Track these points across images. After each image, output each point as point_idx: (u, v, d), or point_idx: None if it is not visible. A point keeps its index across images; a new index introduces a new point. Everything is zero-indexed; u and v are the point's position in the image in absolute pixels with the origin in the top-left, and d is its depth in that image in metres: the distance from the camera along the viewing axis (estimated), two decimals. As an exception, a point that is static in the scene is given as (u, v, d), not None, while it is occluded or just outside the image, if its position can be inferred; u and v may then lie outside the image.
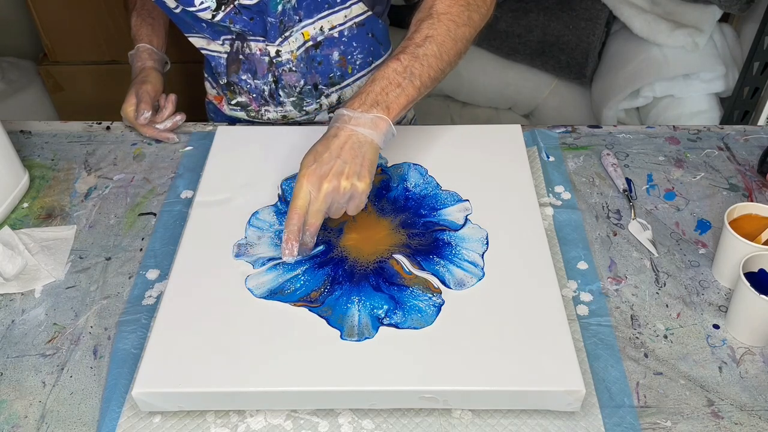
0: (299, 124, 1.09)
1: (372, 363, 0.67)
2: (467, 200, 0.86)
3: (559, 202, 0.90)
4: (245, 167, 0.91)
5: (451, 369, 0.67)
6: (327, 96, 1.06)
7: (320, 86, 1.05)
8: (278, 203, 0.86)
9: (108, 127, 1.07)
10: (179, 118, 1.03)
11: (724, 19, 1.56)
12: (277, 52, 0.99)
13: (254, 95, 1.05)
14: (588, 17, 1.63)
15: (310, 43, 0.99)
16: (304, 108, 1.06)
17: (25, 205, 0.93)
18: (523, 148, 0.93)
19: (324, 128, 0.81)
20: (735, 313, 0.74)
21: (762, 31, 1.39)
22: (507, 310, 0.72)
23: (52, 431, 0.68)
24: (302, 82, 1.03)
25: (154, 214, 0.91)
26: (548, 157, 0.98)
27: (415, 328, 0.71)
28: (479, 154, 0.93)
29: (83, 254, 0.86)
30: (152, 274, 0.82)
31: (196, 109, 1.17)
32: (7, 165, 0.91)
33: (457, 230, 0.82)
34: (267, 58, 1.00)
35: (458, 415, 0.68)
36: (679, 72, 1.49)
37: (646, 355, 0.73)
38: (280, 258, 0.78)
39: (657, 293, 0.79)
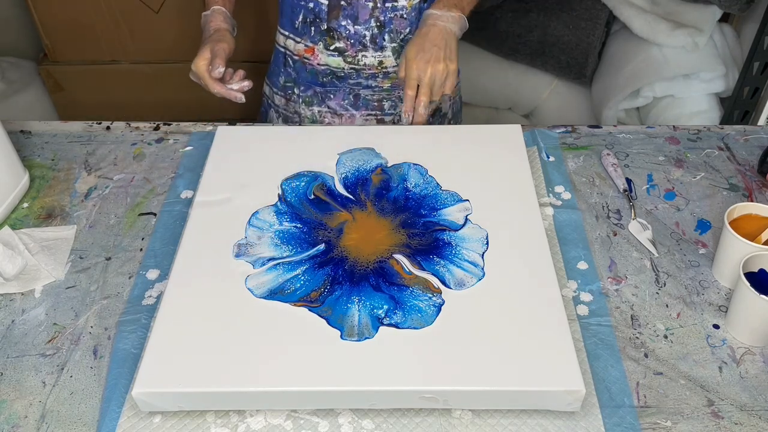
0: (387, 75, 1.12)
1: (372, 363, 0.67)
2: (467, 200, 0.86)
3: (559, 202, 0.90)
4: (245, 167, 0.91)
5: (451, 369, 0.67)
6: None
7: None
8: (278, 203, 0.86)
9: (108, 127, 1.07)
10: (247, 83, 1.03)
11: (724, 19, 1.56)
12: None
13: (352, 41, 1.08)
14: (588, 17, 1.63)
15: None
16: (401, 56, 1.09)
17: (25, 205, 0.93)
18: (523, 148, 0.93)
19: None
20: (735, 313, 0.74)
21: (762, 31, 1.38)
22: (507, 310, 0.72)
23: (52, 431, 0.68)
24: (407, 30, 1.08)
25: (154, 214, 0.91)
26: (548, 157, 0.98)
27: (415, 328, 0.71)
28: (479, 154, 0.93)
29: (83, 254, 0.86)
30: (152, 274, 0.82)
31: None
32: (7, 165, 0.91)
33: (457, 230, 0.82)
34: (371, 3, 1.04)
35: (458, 415, 0.68)
36: (679, 72, 1.49)
37: (646, 355, 0.73)
38: (281, 258, 0.79)
39: (657, 293, 0.79)
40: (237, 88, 1.02)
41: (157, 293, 0.80)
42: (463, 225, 0.82)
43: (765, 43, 1.39)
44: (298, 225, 0.83)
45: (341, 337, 0.70)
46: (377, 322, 0.71)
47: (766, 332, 0.72)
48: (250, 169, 0.91)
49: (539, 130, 1.02)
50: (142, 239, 0.87)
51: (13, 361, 0.74)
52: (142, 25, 1.53)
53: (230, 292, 0.75)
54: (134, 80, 1.78)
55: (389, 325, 0.71)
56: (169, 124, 1.06)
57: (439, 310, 0.72)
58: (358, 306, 0.73)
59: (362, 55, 1.10)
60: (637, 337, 0.75)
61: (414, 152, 0.93)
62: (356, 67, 1.11)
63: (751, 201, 0.88)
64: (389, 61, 1.10)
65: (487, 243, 0.80)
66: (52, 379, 0.72)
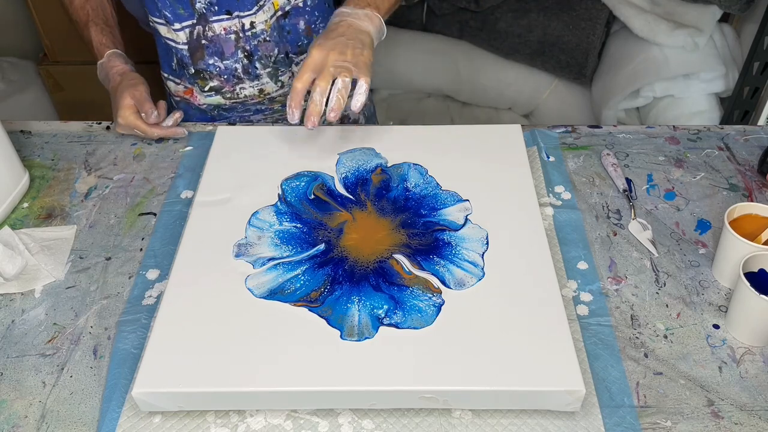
0: (273, 100, 1.11)
1: (372, 363, 0.67)
2: (467, 200, 0.86)
3: (559, 202, 0.90)
4: (245, 167, 0.91)
5: (451, 369, 0.67)
6: (297, 64, 1.09)
7: (291, 54, 1.08)
8: (278, 203, 0.86)
9: (108, 127, 1.07)
10: (179, 115, 1.02)
11: (724, 19, 1.56)
12: (252, 24, 1.01)
13: (225, 77, 1.07)
14: (588, 17, 1.63)
15: (280, 12, 1.03)
16: (280, 78, 1.09)
17: (25, 205, 0.93)
18: (523, 148, 0.93)
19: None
20: (735, 313, 0.74)
21: (762, 31, 1.38)
22: (507, 310, 0.72)
23: (52, 431, 0.68)
24: (276, 51, 1.06)
25: (154, 214, 0.91)
26: (548, 157, 0.98)
27: (415, 328, 0.71)
28: (479, 153, 0.93)
29: (83, 254, 0.86)
30: (152, 274, 0.82)
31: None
32: (7, 165, 0.91)
33: (457, 230, 0.82)
34: (233, 36, 1.02)
35: (458, 415, 0.68)
36: (679, 72, 1.49)
37: (646, 355, 0.73)
38: (281, 258, 0.79)
39: (657, 293, 0.79)
40: (171, 123, 1.01)
41: (157, 293, 0.80)
42: (463, 225, 0.82)
43: (765, 43, 1.39)
44: (298, 225, 0.83)
45: (341, 337, 0.70)
46: (377, 322, 0.71)
47: (766, 332, 0.72)
48: (250, 169, 0.91)
49: (539, 130, 1.02)
50: (142, 239, 0.87)
51: (13, 361, 0.74)
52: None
53: (230, 292, 0.75)
54: (134, 80, 1.78)
55: (389, 325, 0.71)
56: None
57: (439, 310, 0.72)
58: (358, 306, 0.73)
59: (240, 88, 1.08)
60: (637, 337, 0.75)
61: (414, 152, 0.93)
62: (238, 101, 1.09)
63: (751, 201, 0.88)
64: (269, 87, 1.09)
65: (487, 243, 0.80)
66: (52, 379, 0.72)
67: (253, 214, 0.84)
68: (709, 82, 1.49)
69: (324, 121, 0.88)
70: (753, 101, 1.46)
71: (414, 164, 0.91)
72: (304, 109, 0.86)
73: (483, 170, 0.90)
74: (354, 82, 0.86)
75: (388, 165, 0.92)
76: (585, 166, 0.97)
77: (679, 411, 0.68)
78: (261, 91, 1.09)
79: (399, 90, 1.96)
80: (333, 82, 0.84)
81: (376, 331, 0.70)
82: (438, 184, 0.88)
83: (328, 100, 0.84)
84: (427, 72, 1.86)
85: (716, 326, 0.76)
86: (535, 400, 0.66)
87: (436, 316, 0.72)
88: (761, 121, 1.43)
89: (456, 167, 0.90)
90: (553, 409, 0.67)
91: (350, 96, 0.85)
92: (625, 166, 0.97)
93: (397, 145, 0.94)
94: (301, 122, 0.88)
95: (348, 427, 0.67)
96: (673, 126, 1.04)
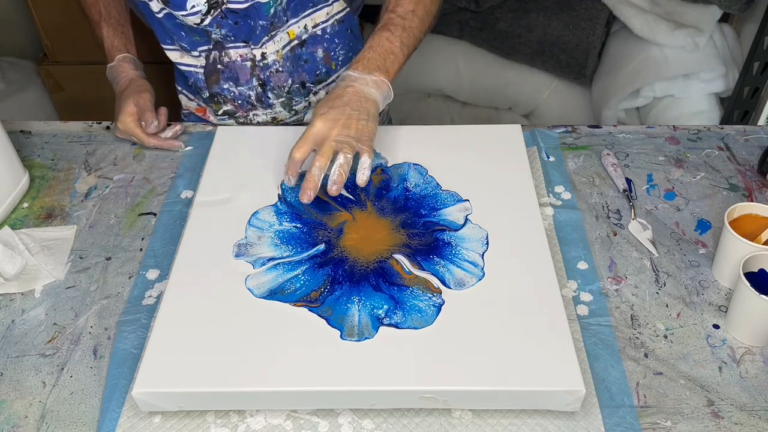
0: (288, 125, 1.09)
1: (372, 363, 0.67)
2: (467, 200, 0.86)
3: (559, 202, 0.90)
4: (245, 167, 0.91)
5: (451, 369, 0.67)
6: (315, 93, 1.08)
7: (308, 84, 1.07)
8: (278, 203, 0.86)
9: (108, 127, 1.07)
10: (179, 127, 1.02)
11: (724, 19, 1.56)
12: (263, 55, 1.00)
13: (239, 102, 1.06)
14: (588, 17, 1.63)
15: (296, 41, 1.02)
16: (294, 108, 1.08)
17: (25, 205, 0.93)
18: (523, 148, 0.93)
19: None
20: (735, 313, 0.74)
21: (762, 31, 1.39)
22: (507, 310, 0.72)
23: (52, 431, 0.68)
24: (290, 82, 1.04)
25: (154, 214, 0.91)
26: (548, 157, 0.98)
27: (415, 328, 0.71)
28: (479, 154, 0.93)
29: (83, 254, 0.86)
30: (152, 274, 0.82)
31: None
32: (7, 165, 0.91)
33: (457, 230, 0.82)
34: (249, 63, 1.01)
35: (458, 415, 0.68)
36: (679, 72, 1.49)
37: (646, 355, 0.73)
38: (281, 258, 0.79)
39: (657, 293, 0.79)
40: (171, 135, 1.01)
41: (157, 293, 0.80)
42: (463, 225, 0.82)
43: (765, 43, 1.39)
44: (298, 225, 0.83)
45: (341, 337, 0.70)
46: (377, 322, 0.71)
47: (766, 332, 0.72)
48: (250, 169, 0.91)
49: (539, 130, 1.02)
50: (142, 239, 0.87)
51: (13, 361, 0.74)
52: (141, 25, 1.54)
53: (230, 292, 0.75)
54: (134, 80, 1.78)
55: (389, 325, 0.71)
56: (169, 124, 1.05)
57: (439, 310, 0.72)
58: (358, 306, 0.73)
59: (253, 114, 1.08)
60: (637, 337, 0.75)
61: (414, 152, 0.93)
62: (251, 126, 1.09)
63: (751, 201, 0.88)
64: (282, 115, 1.08)
65: (487, 243, 0.80)
66: (52, 379, 0.72)
67: (253, 214, 0.84)
68: (709, 82, 1.50)
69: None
70: (753, 101, 1.46)
71: (414, 164, 0.91)
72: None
73: (483, 170, 0.90)
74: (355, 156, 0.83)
75: (388, 165, 0.92)
76: (585, 166, 0.97)
77: (679, 411, 0.68)
78: (274, 118, 1.08)
79: (399, 90, 1.96)
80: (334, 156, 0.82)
81: (376, 331, 0.70)
82: (438, 184, 0.88)
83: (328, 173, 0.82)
84: (427, 72, 1.86)
85: (716, 326, 0.76)
86: (535, 400, 0.66)
87: (436, 316, 0.72)
88: (761, 121, 1.43)
89: (456, 167, 0.90)
90: (553, 409, 0.67)
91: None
92: (625, 166, 0.97)
93: (397, 145, 0.94)
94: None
95: (348, 427, 0.67)
96: (673, 126, 1.04)
